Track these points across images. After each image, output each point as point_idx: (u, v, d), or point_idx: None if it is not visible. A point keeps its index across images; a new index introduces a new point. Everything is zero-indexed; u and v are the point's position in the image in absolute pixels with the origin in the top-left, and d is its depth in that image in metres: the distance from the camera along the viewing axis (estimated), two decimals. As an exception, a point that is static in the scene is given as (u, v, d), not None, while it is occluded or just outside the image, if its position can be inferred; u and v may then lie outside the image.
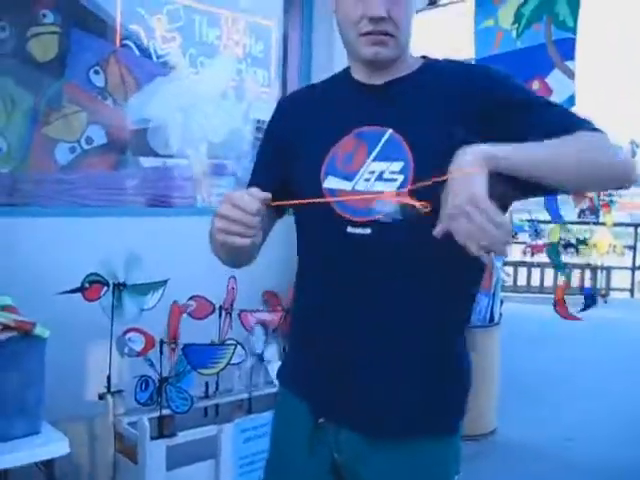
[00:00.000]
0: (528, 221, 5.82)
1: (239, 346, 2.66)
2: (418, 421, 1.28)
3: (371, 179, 1.24)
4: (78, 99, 2.75)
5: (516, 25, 3.49)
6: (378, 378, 1.27)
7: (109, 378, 2.59)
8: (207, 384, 2.81)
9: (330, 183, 1.28)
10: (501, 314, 4.12)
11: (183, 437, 2.51)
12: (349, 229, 1.25)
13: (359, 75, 1.35)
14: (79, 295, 2.42)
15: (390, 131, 1.25)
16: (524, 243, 8.02)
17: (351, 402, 1.29)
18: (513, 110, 1.23)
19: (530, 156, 1.14)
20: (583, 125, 1.20)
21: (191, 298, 2.70)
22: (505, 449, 3.85)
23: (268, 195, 1.15)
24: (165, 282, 2.56)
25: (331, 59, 3.27)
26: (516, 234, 6.22)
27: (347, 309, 1.27)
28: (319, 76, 1.55)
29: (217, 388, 2.82)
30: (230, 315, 2.83)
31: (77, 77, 2.74)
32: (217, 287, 2.79)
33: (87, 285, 2.45)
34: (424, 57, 1.37)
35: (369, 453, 1.29)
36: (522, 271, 9.68)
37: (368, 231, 1.24)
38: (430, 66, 1.34)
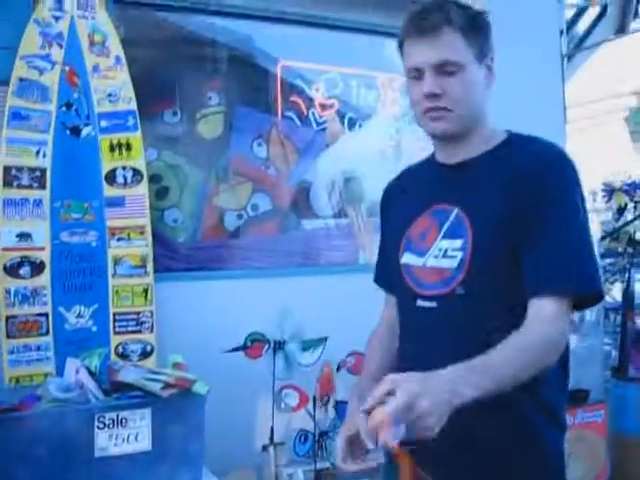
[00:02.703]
0: None
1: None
2: None
3: (439, 256, 1.32)
4: (243, 171, 3.01)
5: None
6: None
7: (272, 430, 2.77)
8: (367, 439, 2.87)
9: (406, 259, 1.39)
10: None
11: (337, 491, 2.59)
12: (419, 302, 1.34)
13: (439, 155, 1.42)
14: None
15: (457, 209, 1.31)
16: None
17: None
18: (533, 219, 1.25)
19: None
20: (548, 290, 1.22)
21: (350, 355, 2.79)
22: None
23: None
24: (325, 339, 2.68)
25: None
26: None
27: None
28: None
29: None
30: (388, 371, 2.88)
31: (242, 150, 3.00)
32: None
33: (249, 343, 2.65)
34: (508, 132, 1.39)
35: None
36: None
37: (434, 304, 1.31)
38: (509, 143, 1.36)
